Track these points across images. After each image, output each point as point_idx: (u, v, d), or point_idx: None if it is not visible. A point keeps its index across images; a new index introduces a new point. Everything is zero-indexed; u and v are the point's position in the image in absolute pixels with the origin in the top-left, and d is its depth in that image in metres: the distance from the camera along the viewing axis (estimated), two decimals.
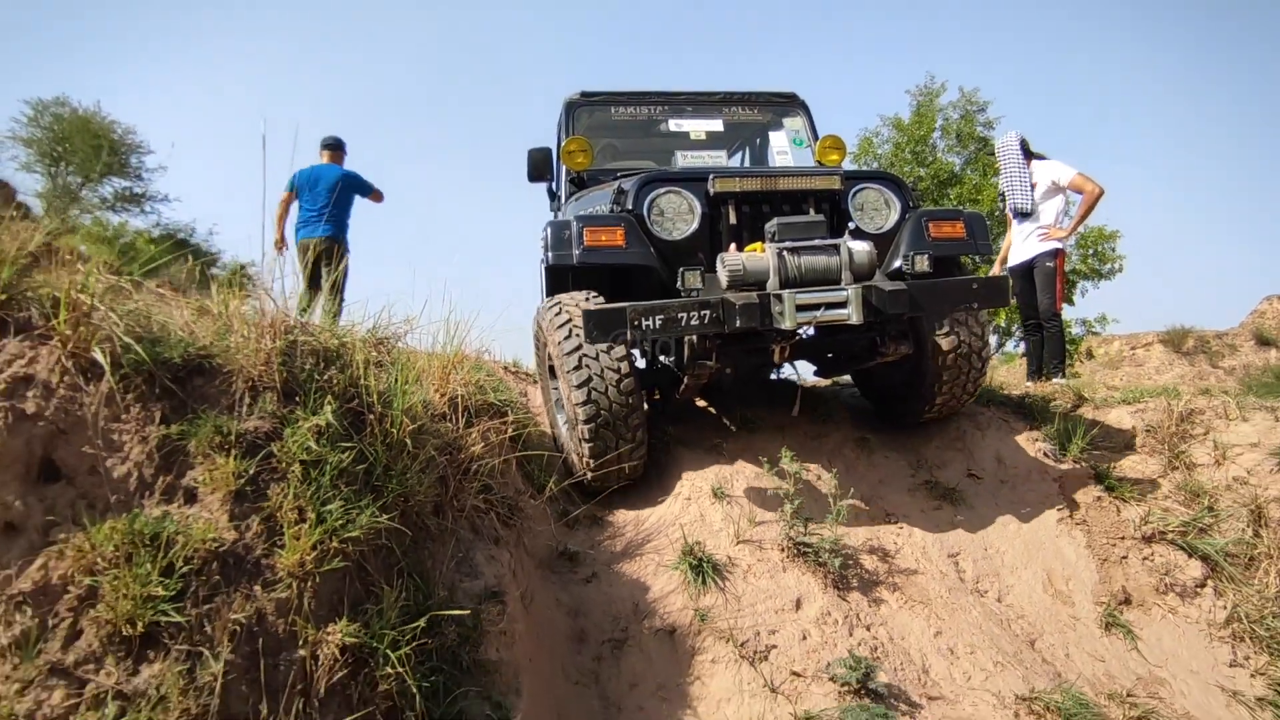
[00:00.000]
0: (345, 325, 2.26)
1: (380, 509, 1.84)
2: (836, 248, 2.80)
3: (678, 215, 3.08)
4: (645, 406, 3.16)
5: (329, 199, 5.27)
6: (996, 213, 13.15)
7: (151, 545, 1.58)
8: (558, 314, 3.06)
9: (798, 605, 2.51)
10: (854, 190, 3.20)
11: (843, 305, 2.66)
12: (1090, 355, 17.22)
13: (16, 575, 1.52)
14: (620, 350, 2.97)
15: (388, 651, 1.70)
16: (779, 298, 2.68)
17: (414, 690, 1.71)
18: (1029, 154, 4.86)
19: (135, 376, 1.76)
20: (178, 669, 1.49)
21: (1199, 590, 2.78)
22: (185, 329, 1.92)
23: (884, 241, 3.14)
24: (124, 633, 1.49)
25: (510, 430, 2.63)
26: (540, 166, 4.45)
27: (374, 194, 5.64)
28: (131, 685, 1.46)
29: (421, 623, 1.77)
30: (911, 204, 3.26)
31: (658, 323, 2.65)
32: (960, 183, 14.82)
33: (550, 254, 3.02)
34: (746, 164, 4.89)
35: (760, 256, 2.81)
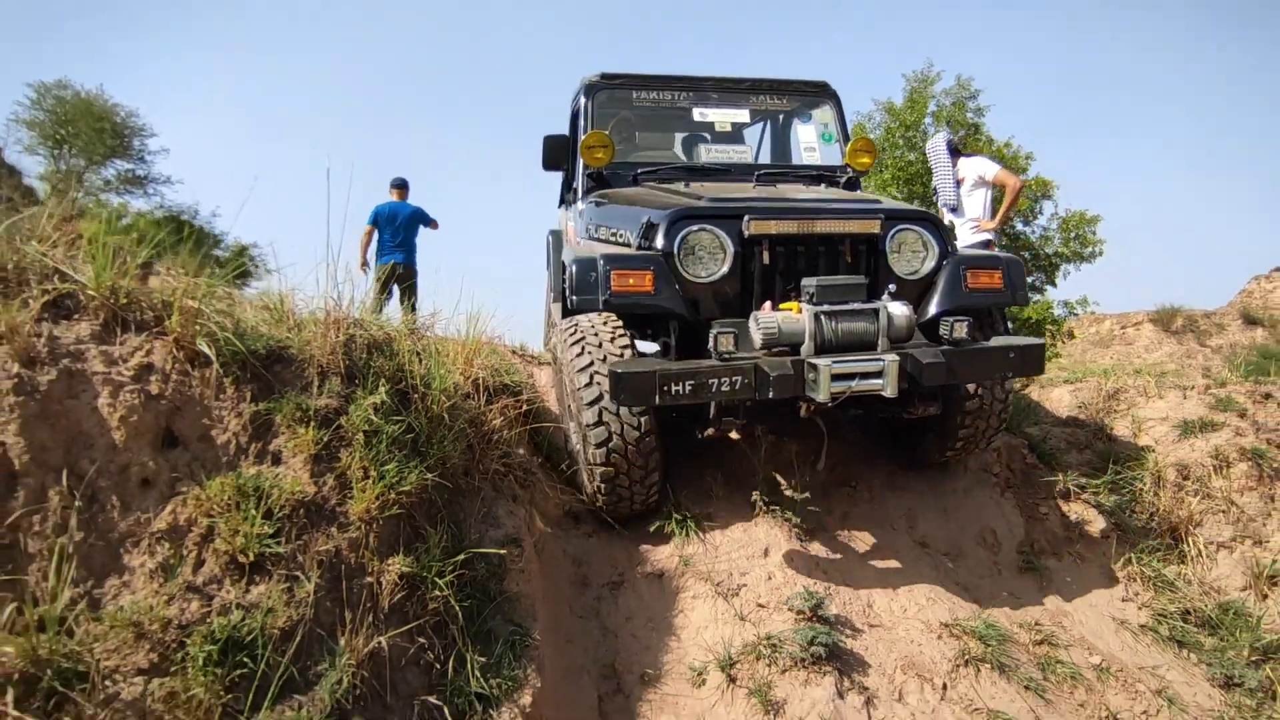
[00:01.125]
0: (388, 320, 2.71)
1: (425, 469, 2.31)
2: (875, 313, 2.71)
3: (709, 255, 2.91)
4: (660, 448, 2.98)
5: (405, 232, 6.43)
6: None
7: (254, 495, 2.04)
8: (579, 354, 2.88)
9: (765, 553, 2.99)
10: (893, 232, 3.03)
11: (878, 375, 2.58)
12: (1071, 335, 17.72)
13: (154, 518, 1.98)
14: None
15: (435, 579, 2.18)
16: (814, 367, 2.57)
17: (456, 610, 2.18)
18: (956, 152, 5.25)
19: (230, 364, 2.21)
20: (280, 588, 1.96)
21: (1104, 539, 3.27)
22: (266, 325, 2.37)
23: (920, 285, 3.05)
24: (238, 560, 1.96)
25: (523, 407, 3.08)
26: (556, 155, 4.19)
27: (433, 224, 6.71)
28: (247, 599, 1.93)
29: (460, 558, 2.25)
30: (950, 247, 3.12)
31: (688, 388, 2.55)
32: None
33: (575, 297, 2.82)
34: (767, 142, 4.66)
35: (795, 319, 2.70)
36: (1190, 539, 3.26)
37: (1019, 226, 16.20)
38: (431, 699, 2.02)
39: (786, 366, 2.60)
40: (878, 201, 3.26)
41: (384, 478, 2.20)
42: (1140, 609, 3.01)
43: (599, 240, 3.35)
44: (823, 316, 2.67)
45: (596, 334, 2.90)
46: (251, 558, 1.96)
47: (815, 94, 4.38)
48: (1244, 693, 2.72)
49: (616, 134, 4.23)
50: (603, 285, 2.76)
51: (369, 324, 2.52)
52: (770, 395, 2.57)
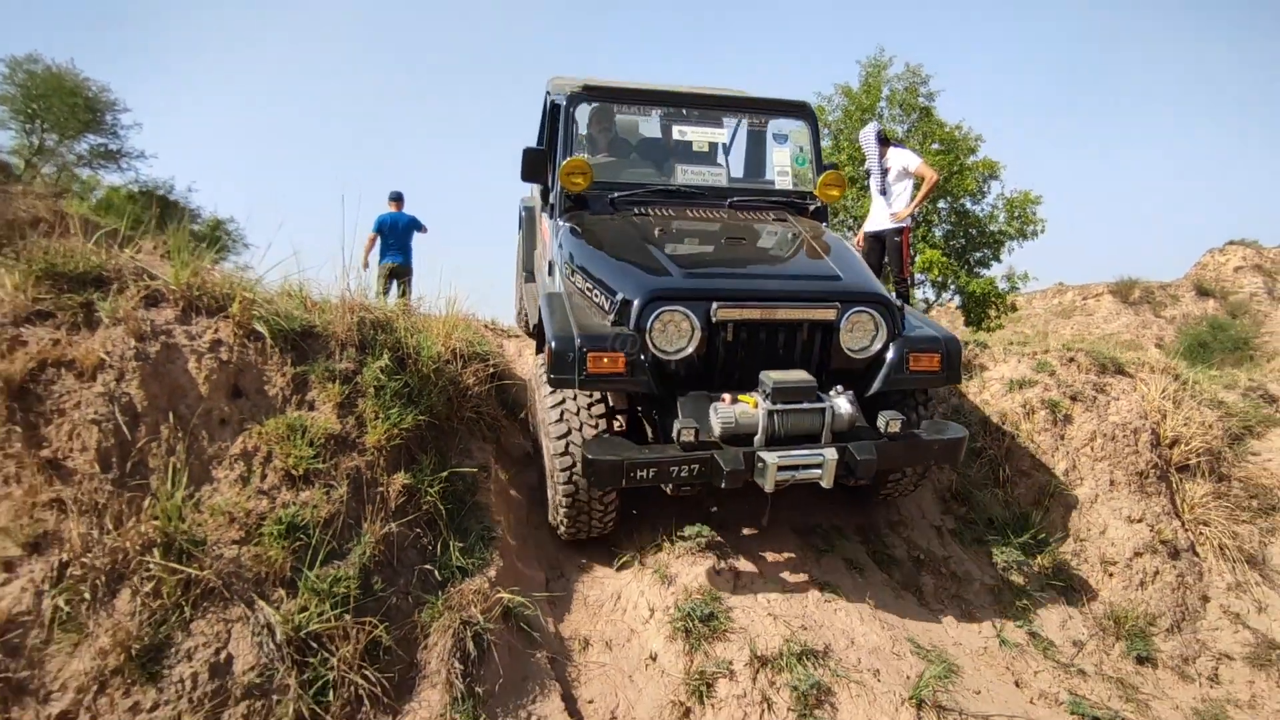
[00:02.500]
0: (388, 303, 3.57)
1: (418, 414, 3.19)
2: (823, 412, 3.04)
3: (679, 333, 3.14)
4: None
5: (402, 237, 7.70)
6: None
7: (299, 430, 2.91)
8: (558, 419, 3.19)
9: (679, 513, 3.92)
10: (847, 314, 3.27)
11: (818, 467, 2.95)
12: (1014, 308, 18.82)
13: (230, 446, 2.84)
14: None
15: (427, 489, 3.07)
16: (763, 461, 2.91)
17: (442, 510, 3.08)
18: (885, 142, 5.99)
19: (276, 338, 3.06)
20: (321, 492, 2.84)
21: (936, 469, 4.25)
22: (296, 309, 3.22)
23: (867, 360, 3.34)
24: (291, 474, 2.83)
25: (491, 370, 3.95)
26: (536, 168, 4.17)
27: (424, 229, 8.00)
28: (298, 500, 2.81)
29: (444, 475, 3.14)
30: (897, 330, 3.36)
31: (651, 474, 2.90)
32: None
33: (551, 374, 3.02)
34: (743, 144, 4.80)
35: (752, 413, 3.02)
36: (1003, 468, 4.26)
37: (968, 205, 17.22)
38: (426, 567, 2.93)
39: (739, 460, 2.92)
40: (837, 278, 3.41)
41: (389, 419, 3.08)
42: (955, 518, 4.01)
43: (576, 290, 3.53)
44: (776, 414, 3.00)
45: (576, 408, 3.21)
46: (300, 472, 2.85)
47: (793, 114, 4.44)
48: (1017, 573, 3.74)
49: (594, 145, 4.43)
50: (579, 366, 2.96)
51: (373, 308, 3.39)
52: (723, 485, 2.92)
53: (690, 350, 3.15)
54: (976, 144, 16.94)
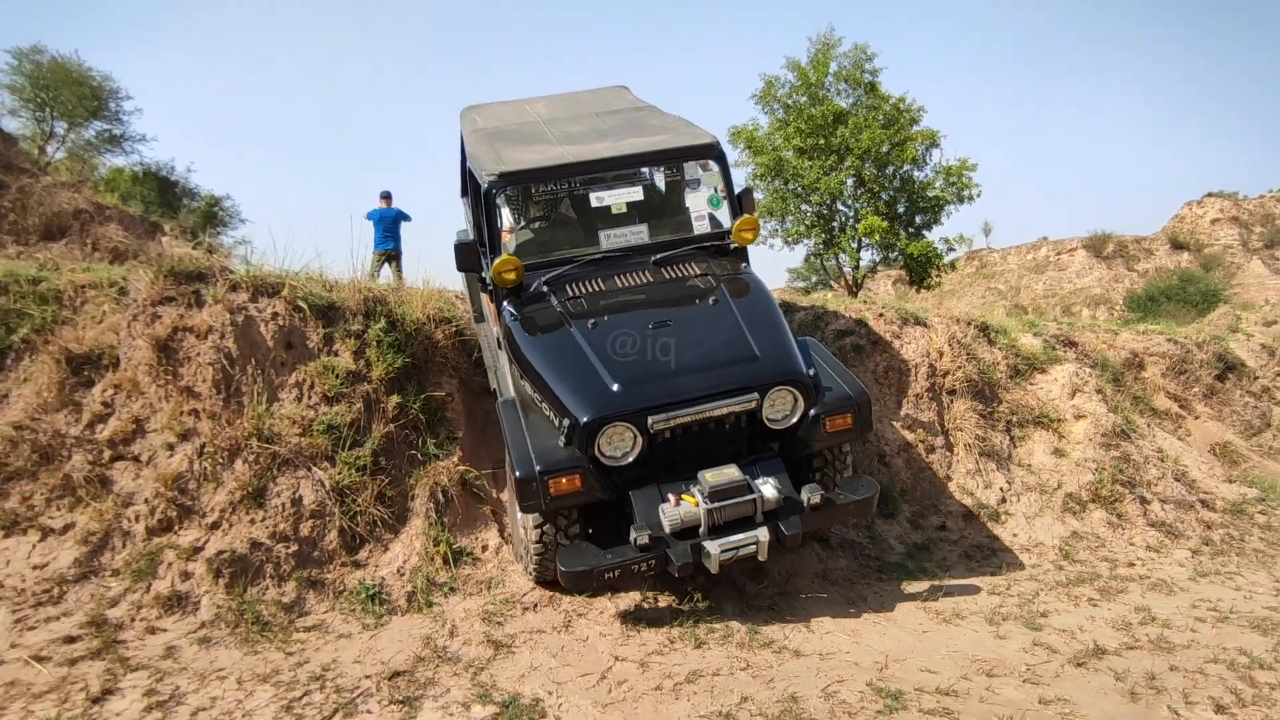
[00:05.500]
0: (380, 282, 5.28)
1: (406, 358, 4.90)
2: (754, 501, 3.56)
3: (623, 444, 3.63)
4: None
5: (390, 228, 9.37)
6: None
7: (330, 369, 4.63)
8: (537, 540, 3.79)
9: None
10: (769, 393, 3.72)
11: (754, 544, 3.50)
12: (953, 267, 20.28)
13: (288, 379, 4.57)
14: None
15: (412, 405, 4.79)
16: (707, 550, 3.48)
17: (422, 420, 4.81)
18: None
19: (311, 309, 4.76)
20: (345, 407, 4.57)
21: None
22: (321, 289, 4.92)
23: (790, 429, 3.82)
24: (327, 395, 4.57)
25: (455, 329, 5.64)
26: (470, 259, 4.49)
27: (409, 219, 9.70)
28: (332, 411, 4.54)
29: (423, 397, 4.87)
30: (813, 399, 3.80)
31: (617, 574, 3.48)
32: (844, 122, 17.55)
33: (521, 502, 3.59)
34: (660, 184, 4.93)
35: (694, 511, 3.53)
36: None
37: (913, 173, 18.78)
38: (412, 452, 4.67)
39: (687, 554, 3.47)
40: (755, 358, 3.80)
41: (386, 361, 4.79)
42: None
43: (529, 399, 4.03)
44: (714, 511, 3.52)
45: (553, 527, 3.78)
46: (332, 394, 4.58)
47: (703, 155, 4.58)
48: None
49: (518, 213, 4.92)
50: (543, 494, 3.49)
51: (374, 288, 5.10)
52: (676, 574, 3.53)
53: (634, 456, 3.65)
54: (919, 115, 18.44)
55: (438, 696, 3.06)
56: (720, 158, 4.62)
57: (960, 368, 6.08)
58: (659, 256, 4.40)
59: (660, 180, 4.90)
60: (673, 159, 4.64)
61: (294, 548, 4.04)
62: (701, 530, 3.55)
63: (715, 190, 4.63)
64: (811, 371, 3.92)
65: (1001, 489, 5.47)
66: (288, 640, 3.56)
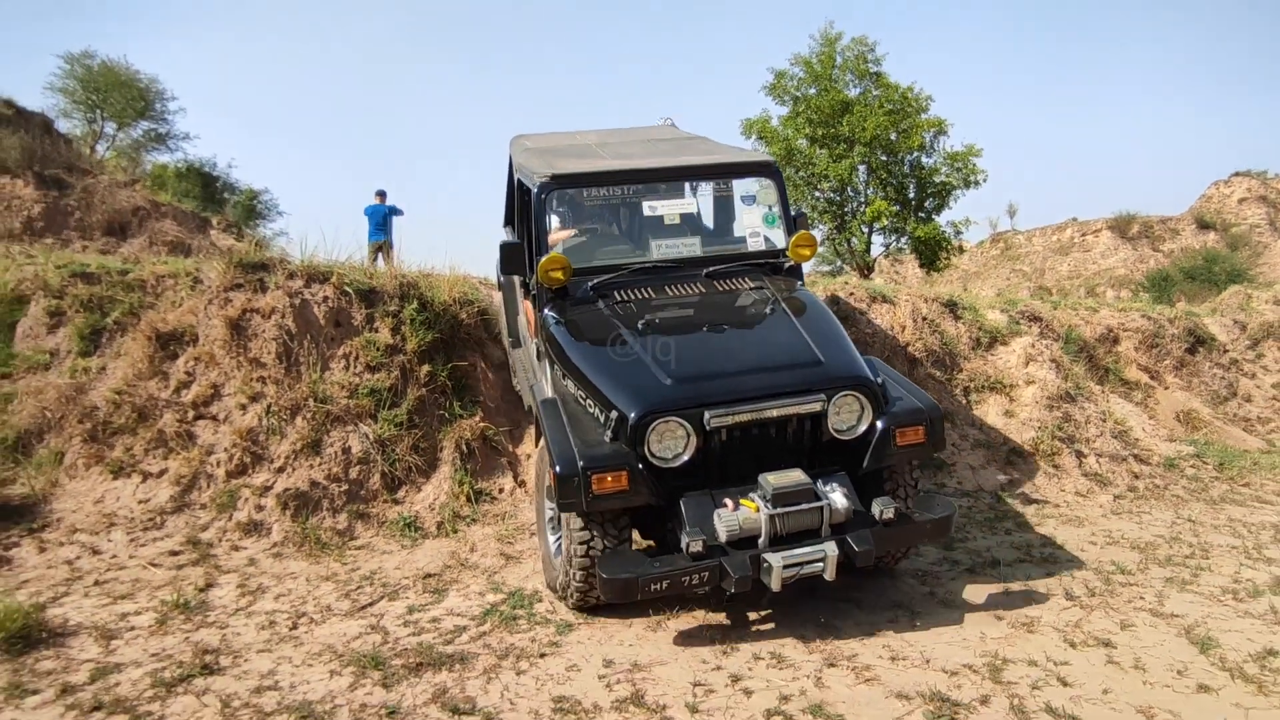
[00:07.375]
0: (414, 268, 6.17)
1: (436, 334, 5.77)
2: (821, 510, 3.13)
3: (675, 443, 3.23)
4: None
5: (383, 221, 10.61)
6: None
7: (372, 343, 5.53)
8: (582, 526, 3.28)
9: None
10: (834, 399, 3.35)
11: (820, 561, 3.05)
12: (961, 250, 20.75)
13: (337, 352, 5.48)
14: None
15: (441, 373, 5.67)
16: (768, 563, 3.00)
17: (449, 385, 5.69)
18: None
19: (355, 293, 5.66)
20: (384, 374, 5.46)
21: None
22: (361, 275, 5.81)
23: (856, 440, 3.41)
24: (369, 365, 5.47)
25: (478, 309, 6.50)
26: (515, 261, 4.30)
27: (400, 213, 10.92)
28: (374, 378, 5.44)
29: (450, 365, 5.75)
30: (882, 409, 3.42)
31: (664, 586, 2.99)
32: (851, 111, 18.13)
33: (560, 501, 3.17)
34: (709, 199, 4.89)
35: (754, 518, 3.10)
36: None
37: (923, 160, 19.32)
38: (440, 413, 5.55)
39: (746, 566, 3.02)
40: (819, 362, 3.48)
41: (418, 336, 5.66)
42: None
43: (571, 397, 3.65)
44: (777, 518, 3.08)
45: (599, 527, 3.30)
46: (374, 364, 5.47)
47: (758, 172, 4.53)
48: None
49: (566, 219, 4.77)
50: (584, 490, 3.07)
51: (408, 274, 5.98)
52: (732, 590, 3.03)
53: (686, 456, 3.25)
54: (926, 103, 18.93)
55: (460, 588, 3.95)
56: (776, 175, 4.54)
57: (921, 339, 6.81)
58: (711, 269, 4.22)
59: (713, 196, 4.89)
60: (728, 174, 4.65)
61: (345, 487, 4.94)
62: (761, 540, 3.13)
63: (770, 208, 4.53)
64: (880, 379, 3.58)
65: (954, 445, 6.21)
66: (343, 555, 4.47)
